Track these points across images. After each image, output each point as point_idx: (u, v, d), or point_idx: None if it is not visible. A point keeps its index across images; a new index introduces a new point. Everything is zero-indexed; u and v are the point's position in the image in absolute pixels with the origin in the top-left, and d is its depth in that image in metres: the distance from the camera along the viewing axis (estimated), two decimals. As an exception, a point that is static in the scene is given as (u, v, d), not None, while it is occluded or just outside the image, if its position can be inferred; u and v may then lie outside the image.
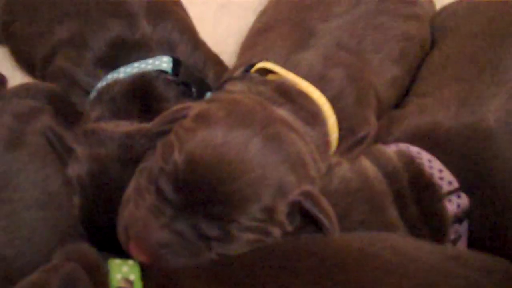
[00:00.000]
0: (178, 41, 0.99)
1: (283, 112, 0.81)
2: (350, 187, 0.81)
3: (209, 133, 0.75)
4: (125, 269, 0.71)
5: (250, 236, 0.73)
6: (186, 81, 0.94)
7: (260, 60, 0.93)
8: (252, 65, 0.92)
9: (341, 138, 0.90)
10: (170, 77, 0.93)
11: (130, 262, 0.73)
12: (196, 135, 0.75)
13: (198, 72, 0.97)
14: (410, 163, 0.84)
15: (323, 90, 0.90)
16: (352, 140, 0.88)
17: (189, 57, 0.99)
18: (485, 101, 0.90)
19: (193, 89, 0.94)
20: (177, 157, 0.74)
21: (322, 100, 0.88)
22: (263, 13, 1.09)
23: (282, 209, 0.74)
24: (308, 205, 0.76)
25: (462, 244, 0.84)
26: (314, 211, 0.76)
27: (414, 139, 0.89)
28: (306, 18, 0.99)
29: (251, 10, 1.19)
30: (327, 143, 0.86)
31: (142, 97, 0.92)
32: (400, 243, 0.74)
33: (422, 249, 0.73)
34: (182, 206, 0.73)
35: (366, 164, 0.84)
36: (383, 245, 0.74)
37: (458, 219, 0.83)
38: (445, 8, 1.16)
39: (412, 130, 0.91)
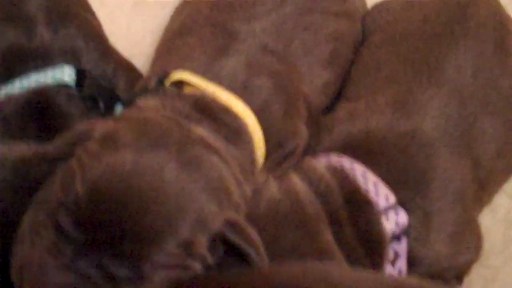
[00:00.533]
0: (83, 49, 0.87)
1: (202, 131, 0.72)
2: (279, 210, 0.73)
3: (116, 159, 0.65)
4: None
5: (165, 274, 0.64)
6: (92, 95, 0.83)
7: (176, 69, 0.83)
8: (167, 75, 0.82)
9: (268, 153, 0.81)
10: (73, 91, 0.82)
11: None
12: (100, 161, 0.65)
13: (106, 83, 0.86)
14: (344, 179, 0.76)
15: (247, 101, 0.81)
16: (280, 154, 0.80)
17: (96, 66, 0.88)
18: (423, 106, 0.83)
19: (100, 104, 0.83)
20: (79, 187, 0.63)
21: (247, 113, 0.79)
22: (178, 12, 0.98)
23: (202, 241, 0.66)
24: (231, 235, 0.67)
25: (401, 264, 0.77)
26: (239, 242, 0.67)
27: (345, 149, 0.82)
28: (228, 19, 0.89)
29: (168, 7, 1.08)
30: (253, 161, 0.77)
31: (41, 114, 0.80)
32: (335, 275, 0.66)
33: (360, 281, 0.66)
34: (85, 244, 0.63)
35: (296, 182, 0.76)
36: (316, 278, 0.66)
37: (397, 237, 0.76)
38: (377, 6, 1.09)
39: (343, 139, 0.83)
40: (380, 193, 0.76)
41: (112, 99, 0.85)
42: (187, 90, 0.80)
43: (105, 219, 0.62)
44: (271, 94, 0.83)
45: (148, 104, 0.76)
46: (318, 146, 0.86)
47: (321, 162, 0.79)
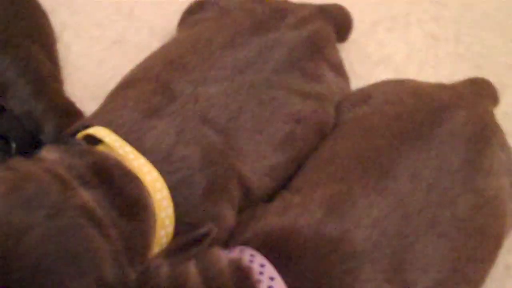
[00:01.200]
0: (11, 82, 0.82)
1: (87, 197, 0.65)
2: None
3: None
4: None
5: None
6: (3, 133, 0.78)
7: (102, 122, 0.76)
8: (88, 127, 0.76)
9: (178, 233, 0.74)
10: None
11: None
12: None
13: (28, 123, 0.80)
14: (243, 280, 0.67)
15: (166, 172, 0.74)
16: (190, 237, 0.72)
17: (23, 104, 0.82)
18: (359, 212, 0.74)
19: (13, 144, 0.78)
20: None
21: (157, 185, 0.71)
22: (137, 64, 0.92)
23: None
24: None
25: None
26: None
27: (265, 245, 0.74)
28: (175, 78, 0.83)
29: (147, 51, 1.03)
30: (148, 240, 0.69)
31: None
32: None
33: None
34: None
35: (190, 273, 0.68)
36: None
37: None
38: (360, 91, 1.01)
39: (266, 233, 0.75)
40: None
41: (29, 141, 0.79)
42: (98, 148, 0.73)
43: None
44: (195, 168, 0.76)
45: (49, 156, 0.70)
46: (240, 236, 0.78)
47: (228, 256, 0.71)
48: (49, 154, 0.70)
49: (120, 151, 0.71)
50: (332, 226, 0.73)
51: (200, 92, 0.81)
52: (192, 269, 0.68)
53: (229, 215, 0.79)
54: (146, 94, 0.80)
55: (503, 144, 0.89)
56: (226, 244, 0.79)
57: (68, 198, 0.63)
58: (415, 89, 0.93)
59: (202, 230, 0.72)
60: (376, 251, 0.72)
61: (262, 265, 0.70)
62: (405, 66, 1.17)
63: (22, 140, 0.78)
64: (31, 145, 0.79)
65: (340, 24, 1.05)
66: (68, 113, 0.87)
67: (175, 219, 0.74)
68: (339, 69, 0.99)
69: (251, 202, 0.84)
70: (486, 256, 0.82)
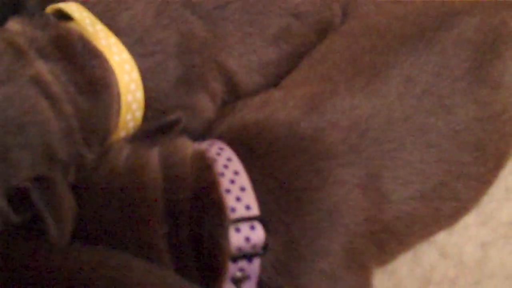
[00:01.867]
0: None
1: (44, 70, 0.61)
2: (113, 185, 0.62)
3: None
4: None
5: None
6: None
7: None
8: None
9: (147, 120, 0.70)
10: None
11: None
12: None
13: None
14: (205, 172, 0.64)
15: (139, 55, 0.69)
16: (156, 124, 0.68)
17: None
18: (339, 112, 0.69)
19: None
20: None
21: (125, 67, 0.67)
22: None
23: None
24: (35, 195, 0.57)
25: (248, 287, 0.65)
26: (40, 205, 0.57)
27: (237, 138, 0.69)
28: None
29: None
30: (107, 122, 0.66)
31: None
32: (134, 280, 0.56)
33: None
34: None
35: (150, 160, 0.64)
36: (109, 278, 0.55)
37: (248, 256, 0.63)
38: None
39: (240, 127, 0.71)
40: (243, 199, 0.63)
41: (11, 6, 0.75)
42: (66, 24, 0.69)
43: None
44: (171, 53, 0.71)
45: (11, 27, 0.66)
46: (216, 129, 0.74)
47: (194, 147, 0.67)
48: (12, 25, 0.67)
49: (89, 28, 0.67)
50: (307, 124, 0.68)
51: None
52: (153, 154, 0.65)
53: (206, 107, 0.74)
54: None
55: None
56: (203, 136, 0.75)
57: (20, 67, 0.59)
58: None
59: (171, 118, 0.68)
60: (351, 154, 0.67)
61: (228, 159, 0.66)
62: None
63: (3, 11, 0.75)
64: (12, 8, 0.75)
65: None
66: None
67: (145, 105, 0.70)
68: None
69: (239, 98, 0.80)
70: (483, 174, 0.75)
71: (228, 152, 0.67)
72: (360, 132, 0.67)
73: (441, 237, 0.81)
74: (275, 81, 0.82)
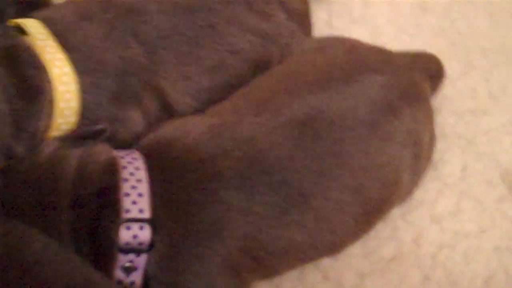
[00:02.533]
0: None
1: None
2: (32, 171, 0.76)
3: None
4: None
5: None
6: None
7: (39, 17, 0.86)
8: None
9: (81, 126, 0.84)
10: None
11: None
12: None
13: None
14: (110, 175, 0.77)
15: (82, 71, 0.83)
16: (84, 130, 0.82)
17: None
18: (236, 142, 0.82)
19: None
20: None
21: (63, 79, 0.81)
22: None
23: None
24: None
25: (136, 277, 0.78)
26: None
27: (152, 152, 0.82)
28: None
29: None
30: (37, 122, 0.79)
31: None
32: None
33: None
34: None
35: (70, 158, 0.78)
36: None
37: (136, 251, 0.77)
38: (311, 39, 1.05)
39: (155, 141, 0.84)
40: (138, 204, 0.76)
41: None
42: (28, 38, 0.83)
43: None
44: (110, 73, 0.85)
45: None
46: (139, 141, 0.87)
47: (112, 154, 0.81)
48: None
49: (39, 43, 0.81)
50: (206, 149, 0.80)
51: (135, 6, 0.89)
52: (74, 153, 0.78)
53: (137, 122, 0.88)
54: (89, 3, 0.89)
55: (419, 117, 0.92)
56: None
57: None
58: (353, 47, 0.97)
59: (97, 127, 0.82)
60: (237, 180, 0.79)
61: (136, 168, 0.79)
62: (383, 29, 1.19)
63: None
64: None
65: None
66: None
67: (81, 113, 0.83)
68: (296, 15, 1.03)
69: (173, 117, 0.93)
70: (361, 215, 0.86)
71: (138, 162, 0.80)
72: (250, 163, 0.80)
73: (327, 261, 0.93)
74: (208, 105, 0.95)
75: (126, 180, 0.77)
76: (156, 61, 0.88)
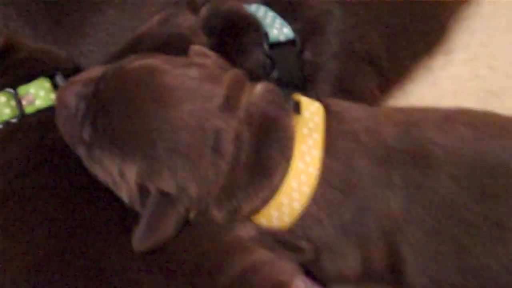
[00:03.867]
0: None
1: (234, 126, 0.69)
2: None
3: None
4: None
5: None
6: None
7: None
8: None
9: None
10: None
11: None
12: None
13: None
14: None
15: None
16: (288, 239, 0.73)
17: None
18: None
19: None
20: None
21: (302, 178, 0.72)
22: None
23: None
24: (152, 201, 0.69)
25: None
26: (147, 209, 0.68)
27: None
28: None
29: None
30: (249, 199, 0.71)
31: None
32: None
33: None
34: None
35: (244, 256, 0.69)
36: None
37: None
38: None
39: None
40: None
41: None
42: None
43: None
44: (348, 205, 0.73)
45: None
46: None
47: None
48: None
49: (304, 131, 0.72)
50: None
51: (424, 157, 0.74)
52: (254, 256, 0.69)
53: (349, 262, 0.74)
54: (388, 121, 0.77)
55: None
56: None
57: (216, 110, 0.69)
58: None
59: (302, 244, 0.72)
60: None
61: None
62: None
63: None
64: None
65: None
66: None
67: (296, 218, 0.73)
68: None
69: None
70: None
71: None
72: None
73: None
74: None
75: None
76: (410, 221, 0.72)
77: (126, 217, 0.70)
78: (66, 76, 0.82)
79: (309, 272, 0.73)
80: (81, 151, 0.72)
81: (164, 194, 0.68)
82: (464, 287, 0.70)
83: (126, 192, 0.70)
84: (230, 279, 0.65)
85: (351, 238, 0.72)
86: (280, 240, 0.72)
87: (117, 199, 0.71)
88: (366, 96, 0.90)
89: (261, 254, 0.69)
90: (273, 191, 0.71)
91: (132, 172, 0.68)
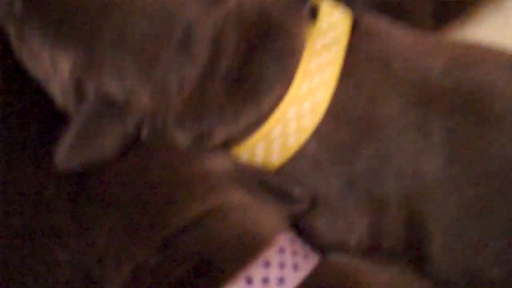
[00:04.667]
0: None
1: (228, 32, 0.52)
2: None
3: None
4: None
5: None
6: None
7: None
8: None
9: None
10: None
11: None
12: None
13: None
14: None
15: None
16: (279, 185, 0.56)
17: None
18: None
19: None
20: None
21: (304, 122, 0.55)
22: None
23: None
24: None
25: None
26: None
27: None
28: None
29: None
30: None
31: None
32: None
33: None
34: None
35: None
36: None
37: None
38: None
39: None
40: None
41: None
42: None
43: None
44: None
45: None
46: None
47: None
48: None
49: (318, 44, 0.55)
50: None
51: None
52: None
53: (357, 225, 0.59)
54: None
55: None
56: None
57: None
58: None
59: (296, 191, 0.55)
60: None
61: None
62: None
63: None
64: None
65: None
66: None
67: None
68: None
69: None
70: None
71: None
72: None
73: None
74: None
75: None
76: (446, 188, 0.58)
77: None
78: None
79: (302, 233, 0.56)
80: (11, 29, 0.56)
81: (106, 101, 0.52)
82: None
83: (59, 89, 0.53)
84: (184, 221, 0.50)
85: (360, 197, 0.55)
86: (264, 183, 0.55)
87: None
88: (416, 22, 0.68)
89: (234, 196, 0.53)
90: (262, 117, 0.54)
91: (66, 63, 0.52)
